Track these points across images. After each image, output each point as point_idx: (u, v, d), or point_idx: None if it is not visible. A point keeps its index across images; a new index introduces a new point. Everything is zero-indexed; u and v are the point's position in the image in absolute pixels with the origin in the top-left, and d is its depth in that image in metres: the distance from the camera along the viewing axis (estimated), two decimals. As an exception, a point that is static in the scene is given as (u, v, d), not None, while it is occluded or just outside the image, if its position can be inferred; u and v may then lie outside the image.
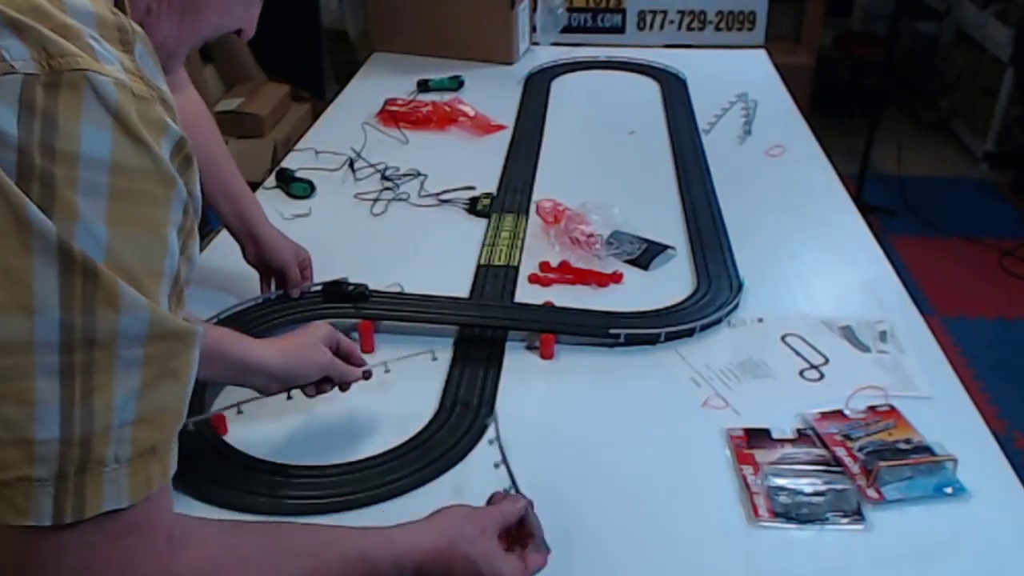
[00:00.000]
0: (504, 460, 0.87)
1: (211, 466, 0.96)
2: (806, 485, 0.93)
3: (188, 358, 0.56)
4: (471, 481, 0.96)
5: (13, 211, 0.48)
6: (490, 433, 0.95)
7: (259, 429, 1.02)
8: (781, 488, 0.93)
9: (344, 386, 1.00)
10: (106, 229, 0.50)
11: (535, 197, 1.57)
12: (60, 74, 0.50)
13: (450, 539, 0.73)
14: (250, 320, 1.17)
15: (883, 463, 0.94)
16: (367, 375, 1.00)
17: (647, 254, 1.38)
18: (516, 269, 1.35)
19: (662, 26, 2.94)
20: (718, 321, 1.21)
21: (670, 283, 1.32)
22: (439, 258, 1.40)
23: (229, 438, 1.00)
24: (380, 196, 1.57)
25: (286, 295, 1.23)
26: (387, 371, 1.05)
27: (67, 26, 0.51)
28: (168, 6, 0.65)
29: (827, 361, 1.15)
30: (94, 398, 0.50)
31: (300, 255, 1.25)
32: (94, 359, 0.50)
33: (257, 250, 1.22)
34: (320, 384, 0.98)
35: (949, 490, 0.93)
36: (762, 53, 2.38)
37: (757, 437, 1.01)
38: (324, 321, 1.02)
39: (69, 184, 0.49)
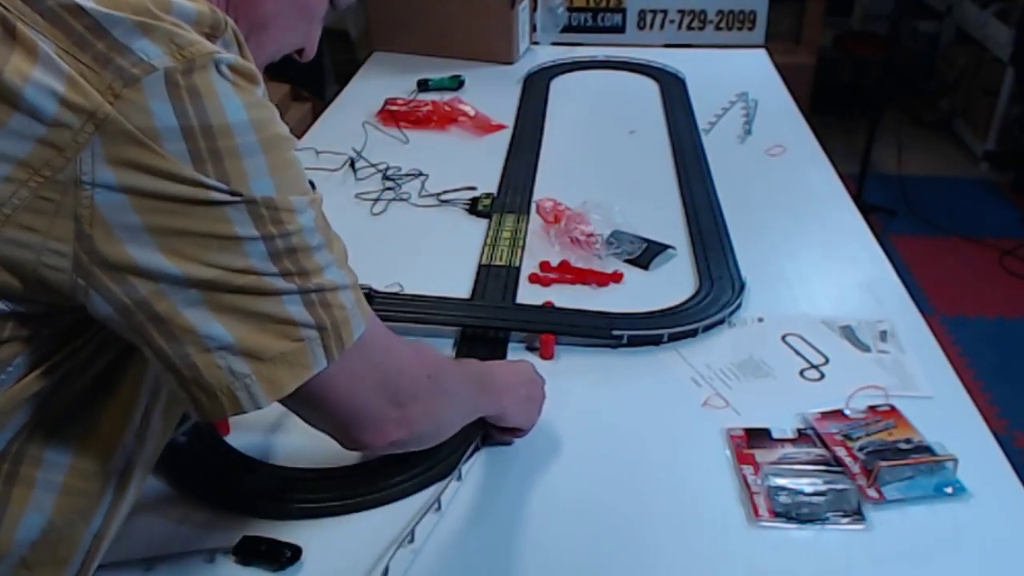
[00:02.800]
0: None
1: (212, 467, 0.96)
2: (806, 485, 0.93)
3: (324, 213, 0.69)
4: (475, 481, 0.96)
5: (200, 192, 0.58)
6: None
7: (261, 431, 1.02)
8: (781, 488, 0.93)
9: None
10: (271, 180, 0.61)
11: (535, 197, 1.57)
12: (192, 61, 0.57)
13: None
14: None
15: (883, 463, 0.94)
16: None
17: (647, 254, 1.38)
18: (517, 269, 1.35)
19: (662, 26, 2.94)
20: (721, 321, 1.22)
21: (670, 283, 1.32)
22: (440, 258, 1.40)
23: (231, 439, 1.00)
24: (381, 196, 1.57)
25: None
26: None
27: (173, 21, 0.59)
28: (236, 23, 0.68)
29: (827, 361, 1.15)
30: (313, 277, 0.64)
31: None
32: (299, 256, 0.64)
33: None
34: None
35: (949, 490, 0.93)
36: (762, 53, 2.38)
37: (757, 437, 1.01)
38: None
39: (233, 153, 0.59)
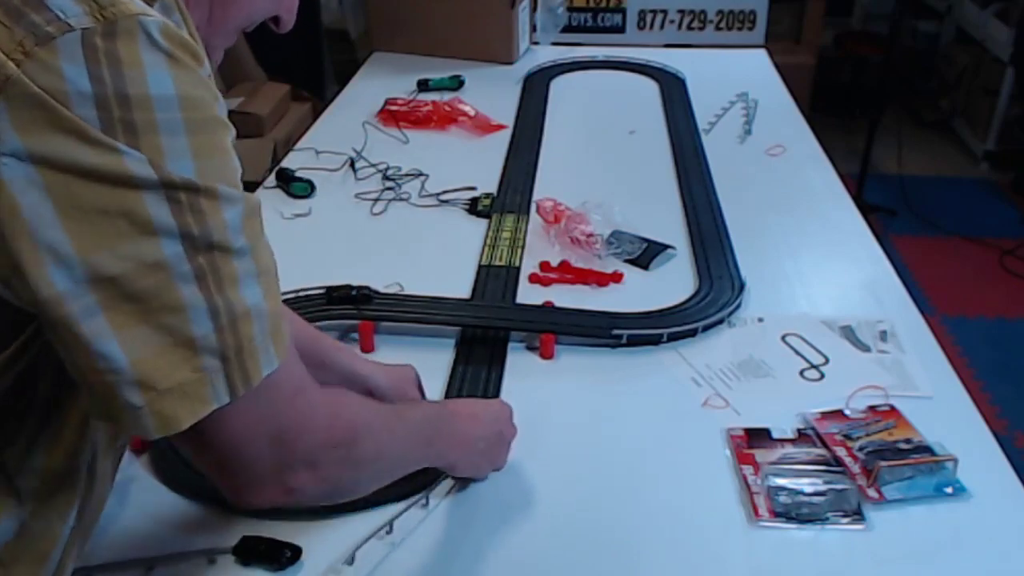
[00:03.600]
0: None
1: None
2: (806, 485, 0.93)
3: (262, 222, 0.62)
4: (475, 481, 0.96)
5: (113, 161, 0.52)
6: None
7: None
8: (781, 488, 0.93)
9: None
10: (193, 163, 0.55)
11: (535, 197, 1.57)
12: (114, 23, 0.52)
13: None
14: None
15: (883, 463, 0.94)
16: None
17: (647, 254, 1.38)
18: (517, 269, 1.35)
19: (662, 26, 2.94)
20: (720, 321, 1.22)
21: (670, 283, 1.32)
22: (440, 258, 1.40)
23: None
24: (381, 196, 1.57)
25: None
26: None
27: None
28: None
29: (827, 361, 1.15)
30: (227, 289, 0.57)
31: (417, 384, 1.05)
32: (217, 258, 0.56)
33: None
34: None
35: (949, 490, 0.93)
36: (762, 53, 2.38)
37: (757, 437, 1.01)
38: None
39: (150, 128, 0.53)
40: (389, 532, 0.88)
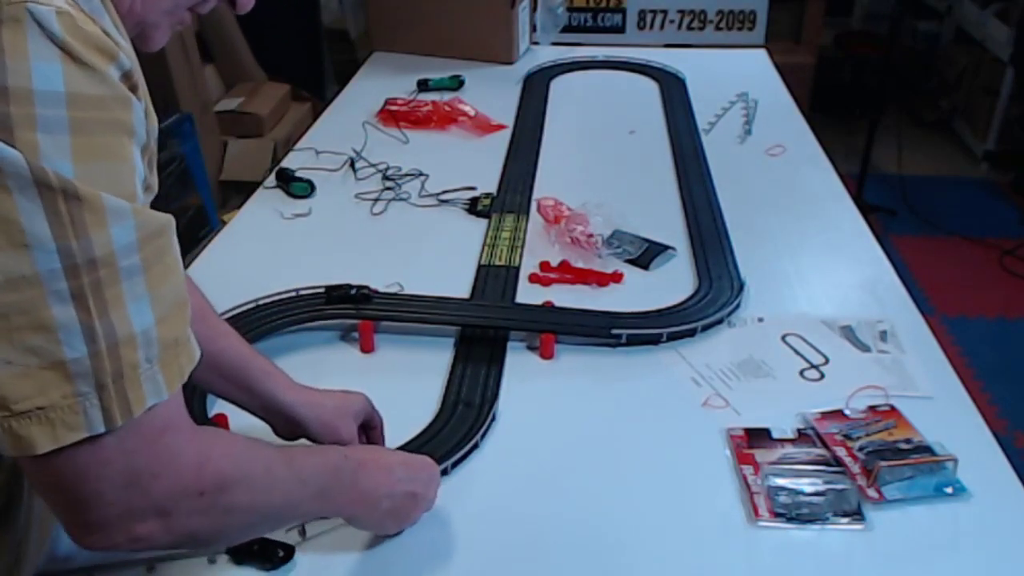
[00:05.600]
0: None
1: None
2: (806, 485, 0.93)
3: (174, 249, 0.58)
4: (474, 479, 0.96)
5: None
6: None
7: (262, 428, 1.01)
8: (781, 488, 0.93)
9: None
10: (72, 165, 0.50)
11: (535, 197, 1.57)
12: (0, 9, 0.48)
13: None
14: (252, 321, 1.17)
15: (883, 463, 0.94)
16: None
17: (647, 254, 1.38)
18: (517, 269, 1.35)
19: (662, 26, 2.94)
20: (720, 321, 1.22)
21: (670, 283, 1.32)
22: (440, 258, 1.40)
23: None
24: (381, 196, 1.57)
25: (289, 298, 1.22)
26: None
27: None
28: None
29: (827, 361, 1.15)
30: (110, 312, 0.52)
31: (362, 419, 0.96)
32: (100, 277, 0.52)
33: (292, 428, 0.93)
34: None
35: (949, 490, 0.93)
36: (762, 53, 2.38)
37: (757, 437, 1.01)
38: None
39: (27, 123, 0.49)
40: (301, 534, 0.86)
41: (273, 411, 0.90)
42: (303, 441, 0.90)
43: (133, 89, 0.56)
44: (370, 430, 0.97)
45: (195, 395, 1.02)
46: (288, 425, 0.90)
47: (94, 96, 0.52)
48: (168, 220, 0.57)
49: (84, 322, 0.52)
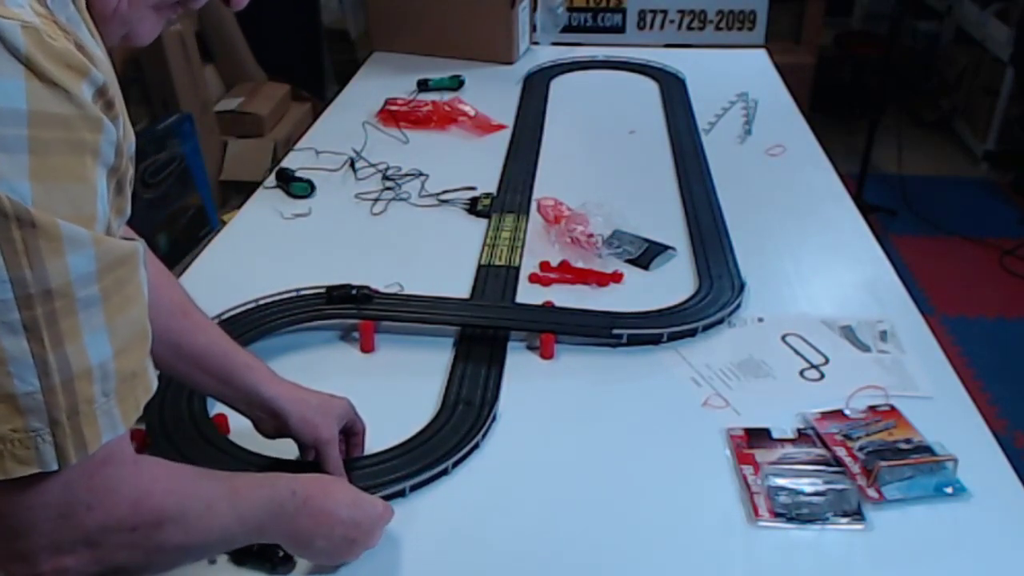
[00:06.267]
0: None
1: (214, 465, 0.95)
2: (806, 485, 0.93)
3: (139, 277, 0.56)
4: (474, 479, 0.96)
5: None
6: None
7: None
8: (781, 488, 0.93)
9: (319, 464, 0.92)
10: (30, 185, 0.48)
11: (535, 197, 1.57)
12: None
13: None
14: (253, 320, 1.17)
15: (883, 463, 0.94)
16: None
17: (647, 254, 1.38)
18: (517, 269, 1.35)
19: (662, 26, 2.94)
20: (720, 321, 1.22)
21: (670, 283, 1.32)
22: (440, 258, 1.40)
23: (233, 437, 1.00)
24: (381, 196, 1.57)
25: (292, 298, 1.22)
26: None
27: None
28: None
29: (827, 361, 1.15)
30: (66, 344, 0.51)
31: (344, 423, 0.95)
32: (55, 308, 0.50)
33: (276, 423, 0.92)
34: (305, 450, 0.93)
35: (949, 490, 0.93)
36: (762, 53, 2.38)
37: (757, 437, 1.01)
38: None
39: None
40: (213, 562, 0.84)
41: (255, 405, 0.89)
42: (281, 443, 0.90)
43: (108, 105, 0.54)
44: (351, 436, 0.96)
45: (194, 396, 1.02)
46: (270, 420, 0.90)
47: (59, 115, 0.49)
48: (132, 249, 0.55)
49: (37, 355, 0.50)
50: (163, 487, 0.62)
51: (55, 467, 0.52)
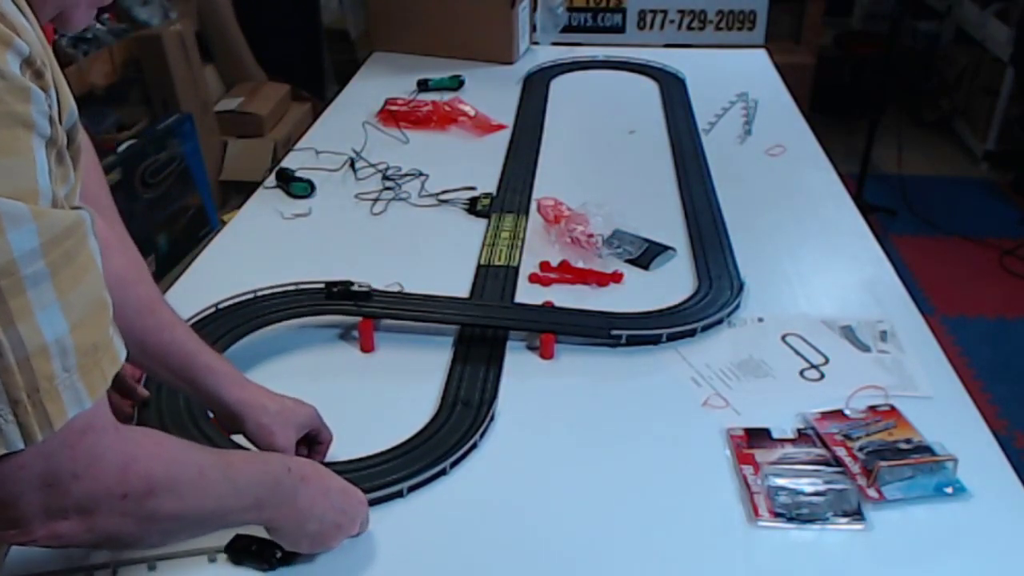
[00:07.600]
0: None
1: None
2: (806, 485, 0.93)
3: (88, 247, 0.55)
4: (472, 479, 0.96)
5: None
6: None
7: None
8: (781, 488, 0.93)
9: None
10: None
11: (535, 197, 1.57)
12: None
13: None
14: (250, 313, 1.17)
15: (883, 463, 0.94)
16: None
17: (647, 254, 1.38)
18: (516, 269, 1.35)
19: (662, 26, 2.94)
20: (719, 321, 1.22)
21: (670, 283, 1.32)
22: (439, 258, 1.40)
23: (233, 437, 1.00)
24: (381, 196, 1.57)
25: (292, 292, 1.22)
26: None
27: None
28: None
29: (827, 361, 1.15)
30: (17, 323, 0.49)
31: (307, 431, 0.94)
32: (1, 287, 0.49)
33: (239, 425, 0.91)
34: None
35: (949, 490, 0.93)
36: (762, 53, 2.38)
37: (757, 437, 1.01)
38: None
39: None
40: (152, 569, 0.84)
41: (215, 405, 0.91)
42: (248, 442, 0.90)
43: (38, 75, 0.52)
44: (315, 444, 0.96)
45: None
46: (228, 420, 0.91)
47: None
48: (78, 218, 0.53)
49: None
50: (149, 452, 0.62)
51: (21, 446, 0.51)
